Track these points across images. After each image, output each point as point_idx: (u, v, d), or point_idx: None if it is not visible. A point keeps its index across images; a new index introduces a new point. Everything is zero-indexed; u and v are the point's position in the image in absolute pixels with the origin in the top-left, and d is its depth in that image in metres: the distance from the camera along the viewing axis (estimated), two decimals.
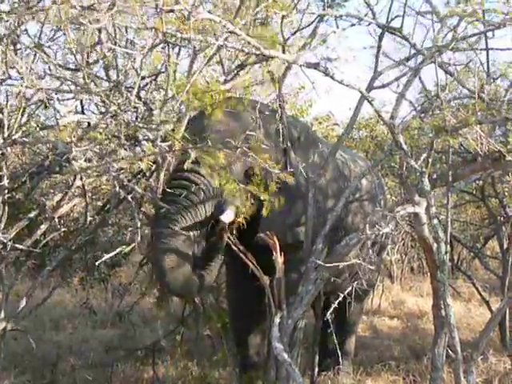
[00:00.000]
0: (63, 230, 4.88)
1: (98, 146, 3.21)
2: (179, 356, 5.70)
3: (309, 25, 4.59)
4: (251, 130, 4.05)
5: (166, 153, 3.18)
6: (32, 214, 4.36)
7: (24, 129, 3.69)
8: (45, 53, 3.49)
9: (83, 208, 4.99)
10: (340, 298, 4.13)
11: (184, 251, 3.77)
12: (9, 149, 3.39)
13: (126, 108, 3.14)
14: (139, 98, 3.67)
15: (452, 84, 4.62)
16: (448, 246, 3.94)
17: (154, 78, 4.24)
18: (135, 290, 7.02)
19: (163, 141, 3.27)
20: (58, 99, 3.59)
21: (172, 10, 3.07)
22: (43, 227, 4.36)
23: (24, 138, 3.42)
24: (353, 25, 4.36)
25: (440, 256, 3.87)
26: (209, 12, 3.36)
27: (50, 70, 3.34)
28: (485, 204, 6.67)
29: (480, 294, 6.83)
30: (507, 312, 5.78)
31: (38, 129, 4.55)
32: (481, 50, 4.19)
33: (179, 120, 3.38)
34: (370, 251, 4.19)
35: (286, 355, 3.69)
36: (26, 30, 3.46)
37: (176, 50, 4.17)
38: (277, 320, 3.88)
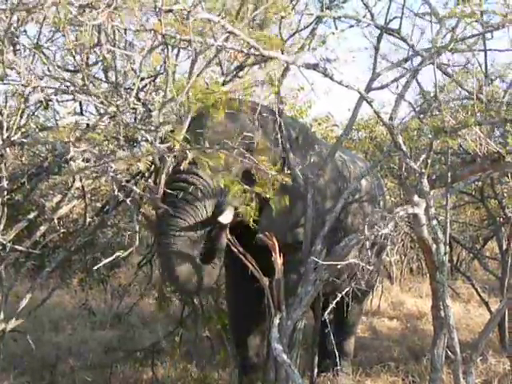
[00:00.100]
0: (62, 231, 4.88)
1: (96, 148, 3.21)
2: (178, 357, 5.70)
3: (307, 26, 4.60)
4: (249, 131, 4.05)
5: (164, 153, 3.18)
6: (31, 216, 4.36)
7: (23, 130, 3.68)
8: (44, 54, 3.49)
9: (82, 209, 4.99)
10: (338, 298, 4.13)
11: (187, 251, 3.81)
12: (8, 150, 3.39)
13: (124, 109, 3.14)
14: (138, 99, 3.67)
15: (450, 85, 4.62)
16: (447, 246, 3.94)
17: (153, 79, 4.24)
18: (134, 291, 7.02)
19: (162, 142, 3.27)
20: (57, 100, 3.59)
21: (171, 10, 3.07)
22: (42, 228, 4.36)
23: (23, 139, 3.41)
24: (351, 26, 4.37)
25: (439, 257, 3.87)
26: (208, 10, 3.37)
27: (49, 71, 3.34)
28: (484, 205, 6.67)
29: (479, 295, 6.83)
30: (506, 313, 5.78)
31: (37, 130, 4.55)
32: (479, 51, 4.19)
33: (180, 122, 3.38)
34: (370, 252, 4.20)
35: (285, 356, 3.69)
36: (25, 30, 3.47)
37: (175, 51, 4.17)
38: (276, 321, 3.88)
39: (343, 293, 4.13)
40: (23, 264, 4.93)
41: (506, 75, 4.84)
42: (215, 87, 3.08)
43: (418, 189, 3.89)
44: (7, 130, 3.32)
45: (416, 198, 3.87)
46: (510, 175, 5.23)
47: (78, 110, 4.31)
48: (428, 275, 4.52)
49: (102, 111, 3.23)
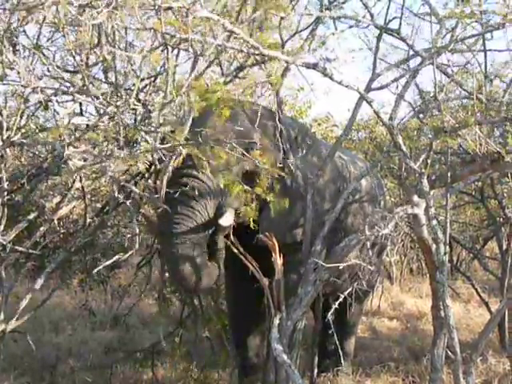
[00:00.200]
0: (62, 231, 4.89)
1: (96, 148, 3.21)
2: (178, 358, 5.69)
3: (307, 27, 4.60)
4: (249, 131, 4.06)
5: (161, 149, 3.18)
6: (31, 216, 4.36)
7: (23, 131, 3.69)
8: (43, 54, 3.48)
9: (82, 210, 4.99)
10: (341, 299, 4.13)
11: (192, 253, 3.84)
12: (8, 150, 3.39)
13: (124, 109, 3.13)
14: (138, 99, 3.67)
15: (450, 85, 4.62)
16: (447, 247, 3.94)
17: (153, 79, 4.23)
18: (134, 291, 7.02)
19: (162, 143, 3.27)
20: (57, 101, 3.59)
21: (170, 8, 3.07)
22: (42, 229, 4.36)
23: (23, 140, 3.41)
24: (351, 27, 4.37)
25: (439, 257, 3.87)
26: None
27: (48, 71, 3.34)
28: (484, 205, 6.67)
29: (479, 295, 6.83)
30: (506, 313, 5.78)
31: (37, 130, 4.55)
32: (479, 51, 4.19)
33: (180, 123, 3.38)
34: (370, 252, 4.20)
35: (285, 356, 3.69)
36: (24, 30, 3.46)
37: (175, 52, 4.17)
38: (276, 321, 3.88)
39: (345, 293, 4.14)
40: (23, 265, 4.94)
41: (503, 74, 4.84)
42: (218, 86, 3.08)
43: (418, 189, 3.89)
44: (7, 130, 3.32)
45: (416, 198, 3.87)
46: (509, 175, 5.22)
47: (78, 110, 4.31)
48: (428, 275, 4.52)
49: (101, 112, 3.22)
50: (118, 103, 3.14)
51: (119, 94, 3.25)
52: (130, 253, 3.83)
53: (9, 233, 4.00)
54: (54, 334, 6.84)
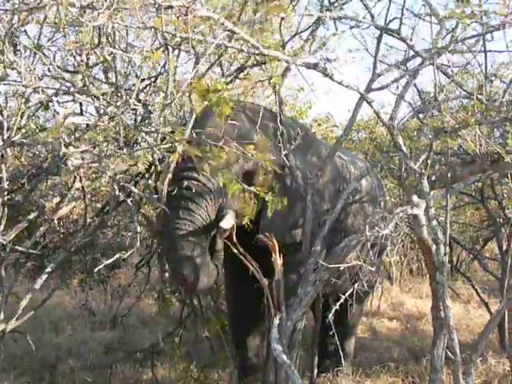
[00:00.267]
0: (62, 231, 4.88)
1: (96, 148, 3.21)
2: (178, 358, 5.69)
3: (307, 28, 4.61)
4: (249, 131, 4.06)
5: (160, 149, 3.18)
6: (31, 216, 4.35)
7: (24, 131, 3.69)
8: (44, 54, 3.49)
9: (82, 210, 4.98)
10: (342, 300, 4.13)
11: (195, 254, 3.85)
12: (8, 150, 3.39)
13: (124, 110, 3.14)
14: (138, 100, 3.67)
15: (450, 85, 4.62)
16: (447, 247, 3.94)
17: (153, 80, 4.24)
18: (134, 291, 7.02)
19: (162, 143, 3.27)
20: (57, 101, 3.59)
21: (171, 6, 3.07)
22: (42, 229, 4.36)
23: (23, 140, 3.42)
24: (351, 27, 4.37)
25: (439, 257, 3.87)
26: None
27: (49, 71, 3.34)
28: (484, 206, 6.68)
29: (479, 296, 6.83)
30: (506, 314, 5.78)
31: (37, 130, 4.56)
32: (479, 52, 4.19)
33: (183, 123, 3.38)
34: (370, 253, 4.20)
35: (285, 357, 3.68)
36: (25, 31, 3.47)
37: (176, 52, 4.17)
38: (276, 321, 3.88)
39: (346, 294, 4.13)
40: (23, 264, 4.93)
41: (502, 74, 4.84)
42: (219, 85, 3.07)
43: (418, 189, 3.89)
44: (7, 130, 3.32)
45: (416, 198, 3.87)
46: (509, 176, 5.23)
47: (78, 110, 4.31)
48: (428, 276, 4.51)
49: (101, 112, 3.23)
50: (119, 103, 3.14)
51: (119, 95, 3.25)
52: (130, 252, 3.83)
53: (9, 233, 4.00)
54: (54, 333, 6.84)
